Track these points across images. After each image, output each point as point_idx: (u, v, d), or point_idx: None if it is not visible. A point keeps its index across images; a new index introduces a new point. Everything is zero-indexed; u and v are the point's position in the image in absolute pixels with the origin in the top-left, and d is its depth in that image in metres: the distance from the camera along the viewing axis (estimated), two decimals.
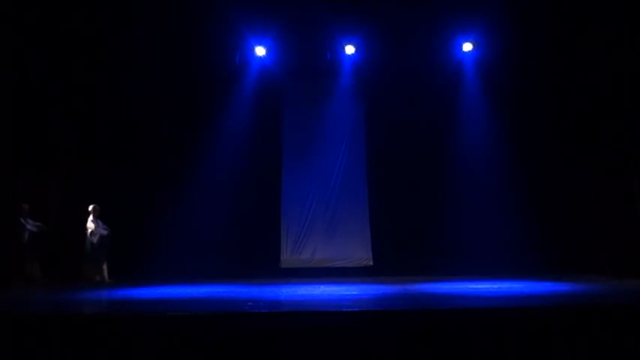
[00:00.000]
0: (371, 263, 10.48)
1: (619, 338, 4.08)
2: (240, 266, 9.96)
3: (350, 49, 10.60)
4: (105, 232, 9.58)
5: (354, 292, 6.56)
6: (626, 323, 4.18)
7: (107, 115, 10.47)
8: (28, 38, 9.63)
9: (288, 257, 10.56)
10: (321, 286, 7.55)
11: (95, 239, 9.51)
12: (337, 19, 10.08)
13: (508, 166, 10.27)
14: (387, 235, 10.45)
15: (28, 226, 9.18)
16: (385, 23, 10.07)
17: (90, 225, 9.55)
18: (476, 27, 10.18)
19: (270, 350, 4.06)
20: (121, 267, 9.63)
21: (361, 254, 10.54)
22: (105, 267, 9.55)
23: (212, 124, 10.69)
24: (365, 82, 11.01)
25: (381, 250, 10.46)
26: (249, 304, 5.31)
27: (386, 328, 4.20)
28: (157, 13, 9.61)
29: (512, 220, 9.96)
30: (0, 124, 9.55)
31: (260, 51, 10.60)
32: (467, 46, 10.53)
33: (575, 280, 7.81)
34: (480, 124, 10.67)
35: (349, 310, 4.71)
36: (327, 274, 10.00)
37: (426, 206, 10.42)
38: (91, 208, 9.61)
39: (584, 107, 9.77)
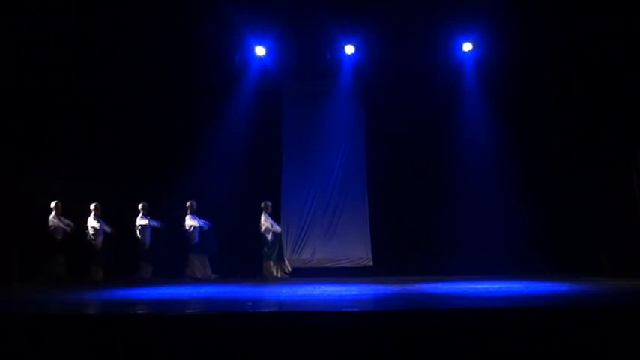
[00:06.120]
0: (371, 263, 10.47)
1: (619, 338, 4.07)
2: (240, 266, 9.95)
3: (350, 49, 10.61)
4: (279, 229, 9.78)
5: (354, 292, 6.56)
6: (626, 323, 4.18)
7: (107, 114, 10.46)
8: (28, 38, 9.63)
9: (287, 257, 10.53)
10: (321, 286, 7.55)
11: (269, 236, 9.64)
12: (337, 19, 10.08)
13: (508, 166, 10.26)
14: (386, 235, 10.44)
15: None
16: (385, 23, 10.08)
17: (264, 222, 9.67)
18: (476, 27, 10.19)
19: (270, 350, 4.06)
20: (121, 267, 9.62)
21: (361, 254, 10.53)
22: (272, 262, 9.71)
23: (212, 124, 10.68)
24: (365, 82, 11.00)
25: (381, 250, 10.45)
26: (249, 304, 5.31)
27: (386, 328, 4.20)
28: (157, 14, 9.61)
29: (512, 220, 9.95)
30: (0, 123, 9.55)
31: (260, 51, 10.60)
32: (467, 46, 10.53)
33: (575, 280, 7.81)
34: (480, 124, 10.65)
35: (349, 310, 4.70)
36: (327, 274, 10.00)
37: (426, 206, 10.41)
38: (262, 205, 9.74)
39: (585, 108, 9.76)
